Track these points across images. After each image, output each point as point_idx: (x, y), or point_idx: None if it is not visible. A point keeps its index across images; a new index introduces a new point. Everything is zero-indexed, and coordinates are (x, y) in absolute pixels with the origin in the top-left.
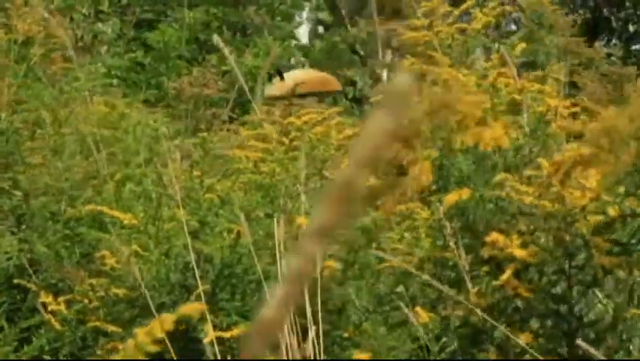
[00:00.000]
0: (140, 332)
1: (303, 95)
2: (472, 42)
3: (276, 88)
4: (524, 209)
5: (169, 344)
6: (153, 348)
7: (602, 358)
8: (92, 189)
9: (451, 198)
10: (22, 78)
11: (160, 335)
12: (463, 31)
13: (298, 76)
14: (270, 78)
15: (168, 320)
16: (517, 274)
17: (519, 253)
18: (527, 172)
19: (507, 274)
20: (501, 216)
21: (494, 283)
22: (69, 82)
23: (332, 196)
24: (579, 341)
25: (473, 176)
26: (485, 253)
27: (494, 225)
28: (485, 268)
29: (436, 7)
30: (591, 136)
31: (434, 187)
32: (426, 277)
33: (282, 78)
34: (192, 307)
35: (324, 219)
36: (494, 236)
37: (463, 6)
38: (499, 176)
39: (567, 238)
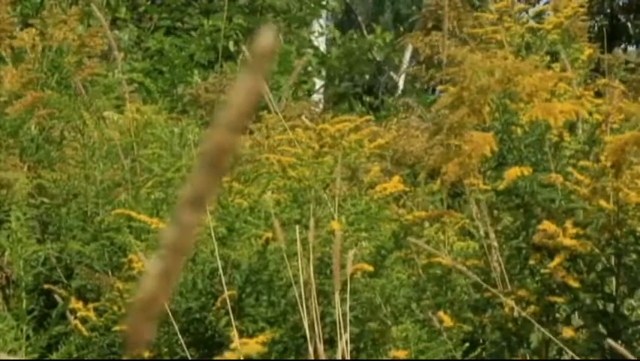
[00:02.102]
0: None
1: None
2: (540, 44)
3: None
4: (577, 204)
5: (186, 351)
6: None
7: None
8: (126, 194)
9: (512, 173)
10: (54, 86)
11: None
12: (533, 30)
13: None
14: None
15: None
16: (566, 268)
17: (569, 242)
18: (582, 163)
19: (556, 261)
20: (558, 203)
21: (543, 270)
22: (98, 90)
23: (204, 163)
24: (610, 341)
25: (532, 156)
26: (537, 239)
27: (550, 210)
28: (536, 257)
29: (510, 5)
30: None
31: (493, 164)
32: (472, 276)
33: None
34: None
35: (198, 187)
36: (546, 225)
37: (538, 7)
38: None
39: (618, 232)
